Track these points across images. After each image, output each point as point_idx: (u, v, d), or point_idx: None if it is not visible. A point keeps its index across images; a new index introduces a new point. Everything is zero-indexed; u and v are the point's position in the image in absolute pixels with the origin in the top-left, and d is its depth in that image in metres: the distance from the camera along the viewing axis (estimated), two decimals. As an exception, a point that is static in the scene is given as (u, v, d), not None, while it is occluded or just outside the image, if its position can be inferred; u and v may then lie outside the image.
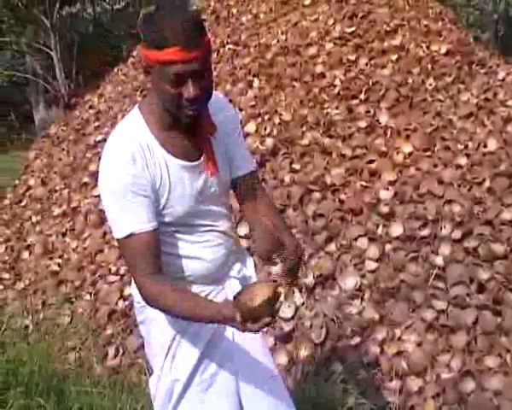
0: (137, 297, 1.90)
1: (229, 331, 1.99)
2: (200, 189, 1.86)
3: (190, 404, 1.94)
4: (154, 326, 1.94)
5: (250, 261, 2.15)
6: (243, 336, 1.94)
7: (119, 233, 1.73)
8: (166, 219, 1.82)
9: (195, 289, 1.92)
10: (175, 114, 1.74)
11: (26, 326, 4.21)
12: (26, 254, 5.06)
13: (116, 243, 1.86)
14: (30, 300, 4.44)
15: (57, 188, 5.58)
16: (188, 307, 1.69)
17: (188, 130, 1.82)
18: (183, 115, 1.73)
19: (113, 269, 4.26)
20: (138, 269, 1.73)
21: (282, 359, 3.41)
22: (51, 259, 4.80)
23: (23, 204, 5.78)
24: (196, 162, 1.84)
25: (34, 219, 5.42)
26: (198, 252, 1.90)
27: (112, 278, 4.21)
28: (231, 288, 2.00)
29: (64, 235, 4.99)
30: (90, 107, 6.67)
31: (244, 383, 2.00)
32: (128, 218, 1.71)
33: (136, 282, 1.77)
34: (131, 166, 1.71)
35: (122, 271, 4.19)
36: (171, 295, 1.70)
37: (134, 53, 7.65)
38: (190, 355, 1.93)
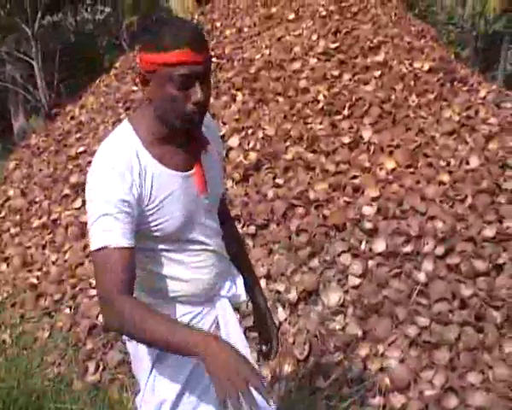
0: None
1: None
2: (193, 199, 1.82)
3: None
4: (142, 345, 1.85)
5: (240, 279, 2.12)
6: None
7: (95, 244, 1.65)
8: (160, 234, 1.77)
9: (187, 309, 1.89)
10: (174, 123, 1.69)
11: (4, 341, 4.13)
12: (4, 267, 4.98)
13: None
14: (8, 313, 4.37)
15: (37, 199, 5.52)
16: (162, 330, 1.56)
17: (181, 143, 1.78)
18: (185, 123, 1.69)
19: (94, 283, 4.21)
20: (107, 285, 1.62)
21: (265, 375, 3.39)
22: (30, 271, 4.74)
23: (2, 215, 5.70)
24: (188, 173, 1.80)
25: (13, 230, 5.35)
26: (191, 274, 1.86)
27: (92, 291, 4.16)
28: (222, 308, 1.97)
29: (44, 247, 4.94)
30: (72, 117, 6.63)
31: None
32: (108, 231, 1.64)
33: (101, 298, 1.65)
34: (122, 182, 1.66)
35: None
36: (143, 316, 1.58)
37: (117, 64, 7.63)
38: (178, 375, 1.89)
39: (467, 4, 19.04)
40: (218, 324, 1.96)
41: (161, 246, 1.80)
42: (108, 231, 1.63)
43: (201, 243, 1.87)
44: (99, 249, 1.64)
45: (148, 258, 1.81)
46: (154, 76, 1.64)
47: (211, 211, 1.92)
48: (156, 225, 1.74)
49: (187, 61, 1.59)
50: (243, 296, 2.09)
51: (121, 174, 1.66)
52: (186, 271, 1.85)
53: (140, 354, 1.93)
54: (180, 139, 1.77)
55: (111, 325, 1.65)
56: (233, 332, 1.98)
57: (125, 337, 1.94)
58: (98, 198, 1.66)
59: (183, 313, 1.89)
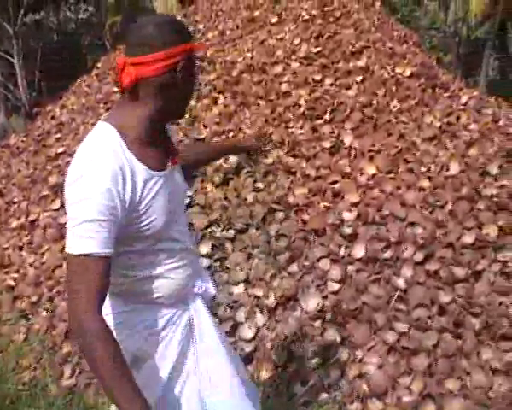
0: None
1: (192, 351, 2.02)
2: (172, 197, 1.89)
3: None
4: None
5: (207, 274, 2.23)
6: (208, 351, 2.02)
7: (74, 249, 1.65)
8: (148, 233, 1.80)
9: (163, 311, 1.94)
10: (182, 108, 1.91)
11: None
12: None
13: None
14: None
15: (15, 200, 5.46)
16: (112, 379, 1.57)
17: (159, 142, 1.88)
18: (186, 107, 1.92)
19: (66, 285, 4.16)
20: (82, 301, 1.62)
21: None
22: (7, 273, 4.68)
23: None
24: (167, 171, 1.88)
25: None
26: (171, 272, 1.92)
27: (70, 294, 4.11)
28: (195, 308, 2.05)
29: (21, 249, 4.88)
30: (52, 117, 6.57)
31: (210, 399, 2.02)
32: (91, 238, 1.63)
33: (71, 304, 1.65)
34: (110, 186, 1.65)
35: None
36: (105, 353, 1.59)
37: (99, 64, 7.57)
38: (158, 377, 1.91)
39: (449, 10, 19.18)
40: (191, 325, 2.03)
41: (145, 246, 1.83)
42: (91, 238, 1.62)
43: (179, 241, 1.95)
44: (79, 255, 1.63)
45: (132, 261, 1.84)
46: (180, 67, 1.77)
47: (183, 209, 2.06)
48: (144, 225, 1.77)
49: (201, 46, 1.82)
50: (213, 291, 2.18)
51: (110, 178, 1.66)
52: (164, 271, 1.90)
53: None
54: (161, 138, 1.89)
55: (73, 334, 1.72)
56: (206, 332, 2.05)
57: None
58: (83, 201, 1.63)
59: (159, 316, 1.93)
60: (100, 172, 1.64)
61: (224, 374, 2.07)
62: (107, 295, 1.74)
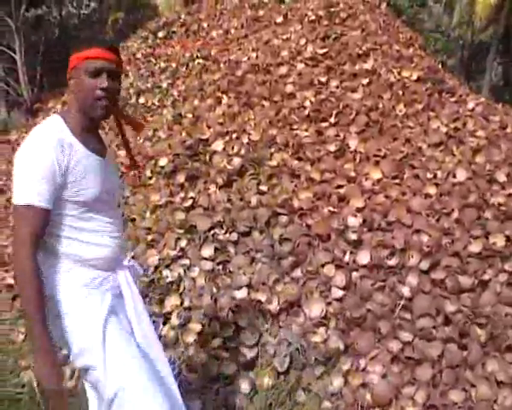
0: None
1: (124, 313, 2.31)
2: (107, 178, 2.23)
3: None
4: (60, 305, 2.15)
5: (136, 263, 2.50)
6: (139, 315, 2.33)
7: (20, 200, 2.00)
8: (81, 199, 2.12)
9: (95, 273, 2.21)
10: (89, 110, 2.12)
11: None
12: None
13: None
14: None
15: (16, 197, 5.39)
16: (30, 301, 1.96)
17: (97, 133, 2.27)
18: (96, 107, 2.12)
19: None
20: (22, 239, 1.99)
21: (244, 386, 3.31)
22: (6, 271, 4.62)
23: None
24: (104, 158, 2.25)
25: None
26: (101, 240, 2.22)
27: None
28: (124, 277, 2.31)
29: (21, 247, 4.81)
30: (54, 113, 6.50)
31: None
32: (32, 191, 1.99)
33: (14, 247, 2.03)
34: (55, 153, 2.02)
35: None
36: (31, 281, 1.97)
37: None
38: (92, 329, 2.16)
39: (454, 13, 19.12)
40: (120, 293, 2.29)
41: (80, 212, 2.15)
42: (33, 192, 2.00)
43: (111, 216, 2.28)
44: (22, 205, 2.00)
45: (68, 224, 2.14)
46: (75, 70, 2.12)
47: (117, 198, 2.39)
48: (76, 191, 2.10)
49: (98, 56, 2.09)
50: (140, 271, 2.51)
51: (51, 147, 2.03)
52: (97, 237, 2.21)
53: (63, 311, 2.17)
54: (97, 128, 2.26)
55: (15, 269, 2.02)
56: (137, 301, 2.34)
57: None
58: (29, 163, 2.01)
59: (92, 276, 2.20)
60: (43, 143, 2.03)
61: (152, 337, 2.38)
62: (51, 256, 2.13)
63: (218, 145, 4.64)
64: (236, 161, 4.41)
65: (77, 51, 2.13)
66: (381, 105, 4.92)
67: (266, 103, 5.12)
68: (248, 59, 5.82)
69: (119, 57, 2.20)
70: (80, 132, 2.15)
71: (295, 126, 4.75)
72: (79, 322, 2.13)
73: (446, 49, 18.55)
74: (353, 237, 3.80)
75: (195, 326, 3.53)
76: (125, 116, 2.51)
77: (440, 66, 6.62)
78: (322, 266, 3.71)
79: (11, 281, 4.46)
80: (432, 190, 4.09)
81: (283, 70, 5.48)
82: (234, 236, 3.94)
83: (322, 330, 3.49)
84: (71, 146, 2.08)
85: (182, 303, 3.69)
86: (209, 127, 4.91)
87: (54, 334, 2.15)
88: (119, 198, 2.51)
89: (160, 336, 3.55)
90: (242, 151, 4.54)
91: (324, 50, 5.60)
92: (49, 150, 2.02)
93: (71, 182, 2.08)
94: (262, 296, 3.61)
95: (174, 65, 6.44)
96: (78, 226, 2.16)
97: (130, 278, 2.33)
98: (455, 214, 3.90)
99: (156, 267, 3.90)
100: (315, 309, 3.55)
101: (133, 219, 4.40)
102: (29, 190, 2.00)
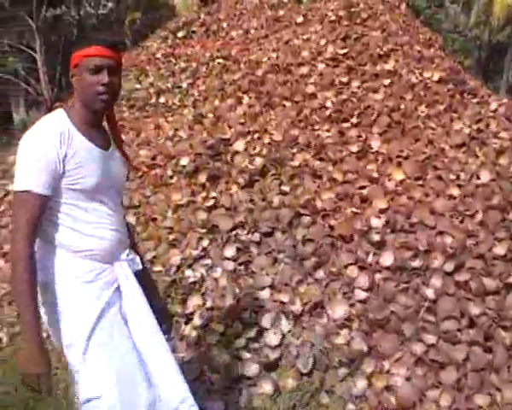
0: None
1: (120, 305, 2.31)
2: (108, 170, 2.27)
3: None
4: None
5: (136, 255, 2.49)
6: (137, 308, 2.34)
7: (19, 186, 2.07)
8: (79, 187, 2.16)
9: (92, 265, 2.23)
10: (92, 104, 2.19)
11: (0, 339, 4.04)
12: (2, 262, 4.88)
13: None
14: (5, 311, 4.26)
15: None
16: (22, 287, 2.01)
17: (100, 127, 2.31)
18: (97, 101, 2.18)
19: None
20: (20, 225, 2.05)
21: (267, 388, 3.29)
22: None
23: (1, 209, 5.59)
24: (106, 151, 2.29)
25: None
26: (98, 232, 2.25)
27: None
28: (121, 269, 2.33)
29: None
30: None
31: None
32: (31, 178, 2.05)
33: (13, 233, 2.08)
34: (55, 141, 2.09)
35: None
36: (25, 267, 2.02)
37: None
38: (85, 321, 2.18)
39: (472, 13, 19.00)
40: (118, 286, 2.30)
41: (80, 202, 2.20)
42: (32, 178, 2.06)
43: (110, 208, 2.31)
44: (22, 191, 2.06)
45: (65, 212, 2.18)
46: (77, 68, 2.19)
47: (119, 187, 2.43)
48: (75, 180, 2.15)
49: (97, 53, 2.15)
50: (140, 265, 2.48)
51: (51, 136, 2.10)
52: (94, 228, 2.24)
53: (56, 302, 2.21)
54: (97, 122, 2.27)
55: (12, 258, 2.06)
56: (136, 295, 2.34)
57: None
58: (30, 152, 2.08)
59: (88, 268, 2.22)
60: (44, 132, 2.11)
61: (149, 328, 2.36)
62: (48, 244, 2.18)
63: (240, 145, 4.64)
64: (258, 161, 4.41)
65: (78, 50, 2.20)
66: (402, 106, 4.90)
67: (287, 103, 5.11)
68: (269, 59, 5.81)
69: (119, 54, 2.26)
70: (81, 125, 2.21)
71: (317, 127, 4.73)
72: (70, 315, 2.17)
73: (464, 49, 18.44)
74: (376, 238, 3.78)
75: (218, 327, 3.53)
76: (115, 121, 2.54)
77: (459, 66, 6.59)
78: (345, 267, 3.70)
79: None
80: (455, 192, 4.06)
81: (304, 70, 5.47)
82: (256, 236, 3.93)
83: (345, 331, 3.48)
84: (70, 136, 2.15)
85: (204, 304, 3.68)
86: (230, 127, 4.91)
87: (47, 321, 2.25)
88: (122, 193, 2.58)
89: (182, 337, 3.56)
90: (264, 151, 4.53)
91: (345, 51, 5.58)
92: (48, 139, 2.09)
93: (69, 170, 2.13)
94: (285, 297, 3.60)
95: (194, 65, 6.45)
96: (75, 216, 2.20)
97: (129, 270, 2.36)
98: (479, 216, 3.87)
99: (178, 267, 3.90)
100: (338, 311, 3.53)
101: (154, 219, 4.41)
102: (28, 176, 2.07)
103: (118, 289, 2.31)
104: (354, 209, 3.97)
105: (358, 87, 5.15)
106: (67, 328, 2.18)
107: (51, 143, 2.09)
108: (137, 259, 2.49)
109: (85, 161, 2.18)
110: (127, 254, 2.41)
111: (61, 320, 2.19)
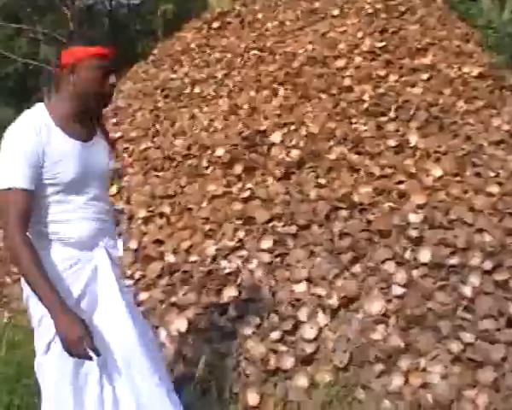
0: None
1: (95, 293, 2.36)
2: (88, 162, 2.28)
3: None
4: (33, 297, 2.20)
5: (119, 241, 2.53)
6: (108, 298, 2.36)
7: (3, 184, 2.08)
8: (58, 181, 2.18)
9: (71, 253, 2.26)
10: (92, 101, 2.21)
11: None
12: None
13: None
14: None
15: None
16: (33, 273, 2.06)
17: (84, 120, 2.29)
18: (100, 101, 2.24)
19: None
20: (10, 221, 2.07)
21: (302, 381, 3.28)
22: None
23: None
24: (86, 143, 2.29)
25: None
26: (78, 221, 2.27)
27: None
28: (100, 258, 2.35)
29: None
30: (108, 102, 6.55)
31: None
32: (13, 174, 2.07)
33: (5, 231, 2.10)
34: (34, 137, 2.11)
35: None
36: (27, 257, 2.06)
37: (155, 51, 7.55)
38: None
39: (505, 8, 18.72)
40: (96, 271, 2.34)
41: (60, 194, 2.22)
42: (16, 175, 2.07)
43: (92, 198, 2.32)
44: (6, 189, 2.07)
45: (49, 204, 2.21)
46: (79, 65, 2.17)
47: (102, 178, 2.41)
48: (53, 173, 2.16)
49: (106, 53, 2.17)
50: (120, 252, 2.51)
51: (30, 131, 2.12)
52: (73, 219, 2.26)
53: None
54: (86, 117, 2.29)
55: (11, 254, 2.10)
56: (108, 280, 2.36)
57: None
58: (11, 149, 2.10)
59: (67, 256, 2.26)
60: (22, 127, 2.13)
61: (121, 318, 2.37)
62: (34, 235, 2.17)
63: (277, 137, 4.62)
64: (295, 153, 4.39)
65: (76, 46, 2.19)
66: (441, 101, 4.84)
67: (324, 96, 5.07)
68: (305, 51, 5.77)
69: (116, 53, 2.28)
70: (62, 119, 2.22)
71: (354, 120, 4.70)
72: (41, 308, 2.17)
73: (498, 45, 18.20)
74: (414, 234, 3.75)
75: (254, 319, 3.52)
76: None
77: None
78: (383, 262, 3.67)
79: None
80: (495, 189, 4.01)
81: (341, 63, 5.43)
82: (293, 228, 3.91)
83: (381, 327, 3.45)
84: (48, 130, 2.17)
85: (239, 295, 3.68)
86: (266, 118, 4.89)
87: (29, 311, 2.32)
88: (108, 180, 2.62)
89: (218, 328, 3.56)
90: (301, 144, 4.51)
91: (382, 44, 5.53)
92: (27, 133, 2.11)
93: (47, 166, 2.15)
94: (321, 291, 3.58)
95: (229, 55, 6.43)
96: (56, 206, 2.23)
97: (107, 258, 2.37)
98: (519, 215, 3.81)
99: (214, 258, 3.90)
100: (375, 306, 3.51)
101: (189, 209, 4.41)
102: (10, 173, 2.08)
103: (95, 276, 2.34)
104: (392, 204, 3.94)
105: (396, 81, 5.10)
106: (39, 311, 2.20)
107: (30, 138, 2.10)
108: (119, 244, 2.52)
109: (63, 155, 2.18)
110: (106, 242, 2.42)
111: (33, 313, 2.27)
